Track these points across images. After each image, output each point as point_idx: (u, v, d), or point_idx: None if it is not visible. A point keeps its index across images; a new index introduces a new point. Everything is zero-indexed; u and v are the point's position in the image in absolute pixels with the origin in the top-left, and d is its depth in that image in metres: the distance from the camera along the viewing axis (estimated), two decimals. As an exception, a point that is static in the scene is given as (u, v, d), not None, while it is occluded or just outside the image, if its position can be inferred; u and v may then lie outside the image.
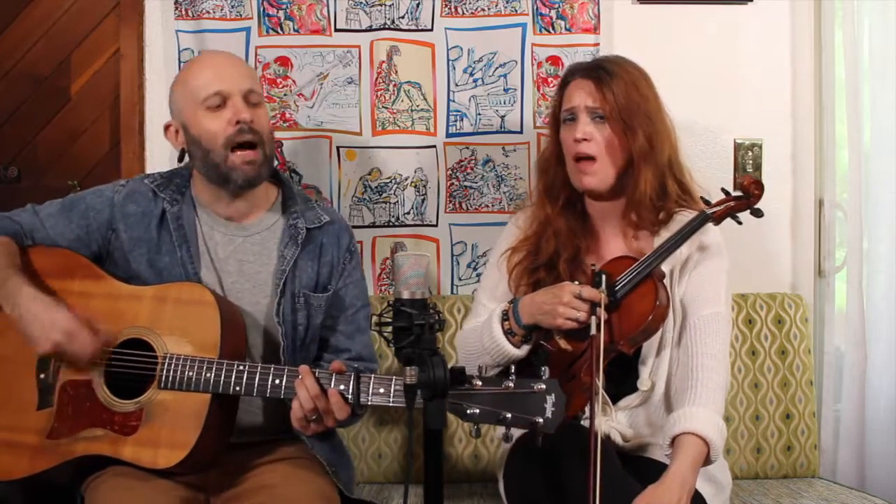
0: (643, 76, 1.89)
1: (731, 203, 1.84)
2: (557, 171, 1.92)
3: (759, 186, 1.85)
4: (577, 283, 1.77)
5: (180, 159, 1.89)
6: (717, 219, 1.84)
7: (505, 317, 1.83)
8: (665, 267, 1.83)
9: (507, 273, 1.94)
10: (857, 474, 2.52)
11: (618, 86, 1.83)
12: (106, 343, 1.69)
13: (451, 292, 2.57)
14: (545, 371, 1.47)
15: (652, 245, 1.86)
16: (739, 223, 1.86)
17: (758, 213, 1.85)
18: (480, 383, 1.45)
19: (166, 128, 1.88)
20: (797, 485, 2.29)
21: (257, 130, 1.79)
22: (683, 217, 1.87)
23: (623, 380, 1.85)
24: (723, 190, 1.87)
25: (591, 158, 1.85)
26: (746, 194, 1.85)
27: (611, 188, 1.87)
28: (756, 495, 2.17)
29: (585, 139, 1.84)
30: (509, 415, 1.43)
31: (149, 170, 2.54)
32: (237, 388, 1.64)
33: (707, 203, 1.86)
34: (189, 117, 1.80)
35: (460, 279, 2.57)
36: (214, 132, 1.77)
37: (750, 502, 2.12)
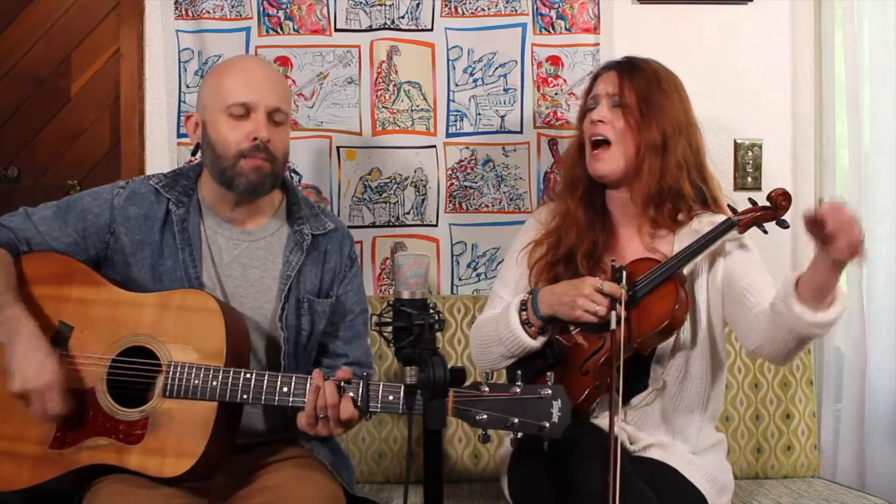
0: (670, 78, 1.92)
1: (758, 213, 1.84)
2: (579, 162, 1.94)
3: (788, 198, 1.84)
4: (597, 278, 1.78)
5: (194, 153, 1.88)
6: (743, 227, 1.84)
7: (523, 307, 1.83)
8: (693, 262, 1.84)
9: (528, 268, 1.94)
10: (857, 474, 2.52)
11: (640, 79, 1.88)
12: (109, 343, 1.68)
13: (451, 292, 2.57)
14: (551, 377, 1.47)
15: (671, 245, 1.87)
16: (765, 232, 1.86)
17: (784, 225, 1.86)
18: (488, 389, 1.46)
19: (187, 118, 1.88)
20: (797, 485, 2.29)
21: (272, 151, 1.78)
22: (706, 221, 1.87)
23: (634, 381, 1.84)
24: (750, 200, 1.87)
25: (605, 143, 1.86)
26: (774, 205, 1.84)
27: (623, 176, 1.88)
28: (756, 495, 2.17)
29: (602, 121, 1.87)
30: (517, 420, 1.44)
31: (149, 170, 2.54)
32: (244, 397, 1.63)
33: (734, 211, 1.86)
34: (210, 118, 1.79)
35: (460, 279, 2.57)
36: (230, 141, 1.76)
37: (750, 502, 2.12)
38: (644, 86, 1.87)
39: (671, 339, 1.82)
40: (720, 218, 1.85)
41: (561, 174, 2.05)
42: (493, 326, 1.87)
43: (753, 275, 1.80)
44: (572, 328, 1.83)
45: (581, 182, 1.94)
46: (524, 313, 1.82)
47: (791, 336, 1.66)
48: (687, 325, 1.82)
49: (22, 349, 1.63)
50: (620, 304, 1.72)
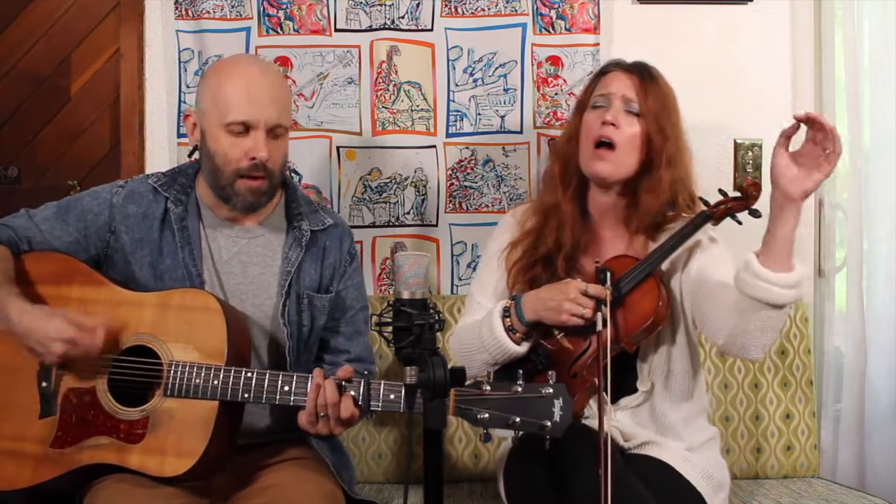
0: (673, 93, 1.92)
1: (730, 204, 1.86)
2: (573, 156, 1.92)
3: (758, 188, 1.86)
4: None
5: (191, 154, 1.88)
6: (717, 218, 1.85)
7: (506, 313, 1.83)
8: (668, 260, 1.84)
9: (506, 270, 1.94)
10: (857, 474, 2.52)
11: (658, 90, 1.88)
12: (111, 339, 1.67)
13: (451, 292, 2.57)
14: (553, 375, 1.47)
15: (649, 250, 1.87)
16: (739, 223, 1.87)
17: (756, 214, 1.86)
18: (489, 388, 1.46)
19: (186, 116, 1.87)
20: (797, 485, 2.29)
21: (270, 168, 1.78)
22: (681, 222, 1.88)
23: (621, 379, 1.85)
24: (720, 191, 1.88)
25: (610, 146, 1.85)
26: (745, 195, 1.86)
27: (621, 181, 1.87)
28: (756, 495, 2.17)
29: (613, 124, 1.84)
30: (518, 419, 1.44)
31: (149, 170, 2.54)
32: (245, 396, 1.63)
33: (706, 204, 1.87)
34: (209, 128, 1.78)
35: (460, 279, 2.57)
36: (229, 158, 1.76)
37: (750, 502, 2.12)
38: (661, 98, 1.87)
39: (653, 336, 1.83)
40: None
41: (552, 167, 1.99)
42: (476, 334, 1.86)
43: (724, 271, 1.80)
44: (556, 332, 1.83)
45: (573, 178, 1.93)
46: (508, 320, 1.82)
47: (758, 307, 1.64)
48: (667, 323, 1.83)
49: (22, 330, 1.63)
50: (606, 305, 1.72)
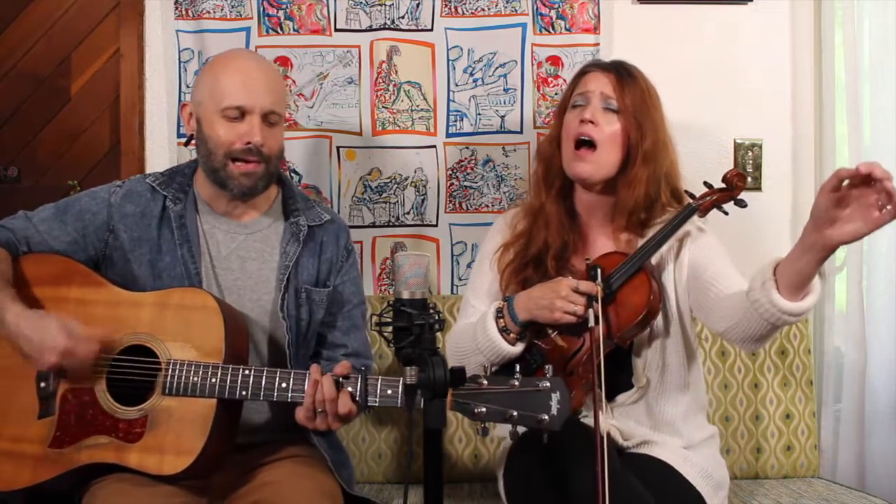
0: (654, 90, 1.92)
1: (716, 196, 1.87)
2: (555, 157, 1.93)
3: (742, 178, 1.87)
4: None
5: (187, 143, 1.90)
6: (704, 210, 1.86)
7: (499, 314, 1.83)
8: (658, 254, 1.85)
9: (499, 272, 1.94)
10: (857, 474, 2.52)
11: (635, 87, 1.88)
12: (106, 347, 1.68)
13: (451, 292, 2.57)
14: (550, 369, 1.47)
15: (637, 244, 1.87)
16: (725, 213, 1.88)
17: (741, 204, 1.87)
18: (486, 382, 1.46)
19: (183, 106, 1.89)
20: (797, 485, 2.29)
21: (265, 154, 1.79)
22: (668, 217, 1.88)
23: (617, 376, 1.85)
24: (705, 183, 1.88)
25: (590, 145, 1.85)
26: (730, 186, 1.87)
27: (603, 181, 1.88)
28: (756, 495, 2.17)
29: (592, 122, 1.85)
30: (515, 413, 1.44)
31: (149, 170, 2.54)
32: (243, 393, 1.64)
33: (692, 196, 1.88)
34: (205, 116, 1.80)
35: (460, 279, 2.57)
36: (222, 141, 1.78)
37: (750, 502, 2.12)
38: (639, 95, 1.87)
39: (647, 331, 1.83)
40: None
41: (536, 169, 2.00)
42: (471, 336, 1.86)
43: (717, 262, 1.81)
44: (550, 331, 1.83)
45: (556, 178, 1.94)
46: (501, 321, 1.82)
47: (765, 324, 1.64)
48: (659, 316, 1.83)
49: (18, 334, 1.64)
50: (597, 301, 1.72)
